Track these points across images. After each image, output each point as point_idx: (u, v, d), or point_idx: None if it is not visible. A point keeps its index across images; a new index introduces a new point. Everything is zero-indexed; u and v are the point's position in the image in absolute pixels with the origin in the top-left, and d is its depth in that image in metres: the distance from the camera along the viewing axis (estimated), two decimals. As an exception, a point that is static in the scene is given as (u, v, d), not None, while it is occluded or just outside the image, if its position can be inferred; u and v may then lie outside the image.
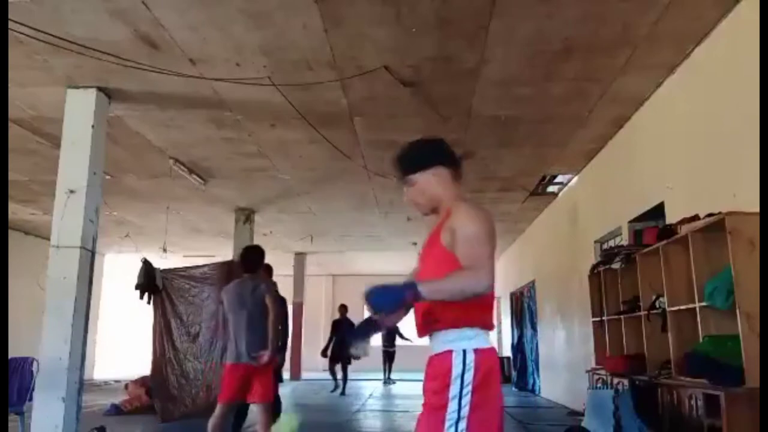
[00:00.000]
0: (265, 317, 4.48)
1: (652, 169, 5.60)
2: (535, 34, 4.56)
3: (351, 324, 12.62)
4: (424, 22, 4.40)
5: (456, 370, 1.82)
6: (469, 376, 1.81)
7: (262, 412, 4.53)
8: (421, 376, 1.99)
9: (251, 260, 4.71)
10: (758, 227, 3.40)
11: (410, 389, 12.56)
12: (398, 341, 13.61)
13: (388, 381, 14.01)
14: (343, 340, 11.96)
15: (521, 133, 6.67)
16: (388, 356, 14.01)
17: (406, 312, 2.08)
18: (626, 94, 5.59)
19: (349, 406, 9.60)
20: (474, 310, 1.88)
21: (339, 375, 12.13)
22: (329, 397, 10.90)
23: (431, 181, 2.03)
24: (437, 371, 1.87)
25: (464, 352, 1.84)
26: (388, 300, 1.78)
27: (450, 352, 1.85)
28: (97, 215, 5.46)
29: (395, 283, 1.80)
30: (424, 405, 1.92)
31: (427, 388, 1.92)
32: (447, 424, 1.77)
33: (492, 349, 1.92)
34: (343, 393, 11.52)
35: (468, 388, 1.80)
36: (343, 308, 12.41)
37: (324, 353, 12.03)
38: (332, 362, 12.14)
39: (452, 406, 1.78)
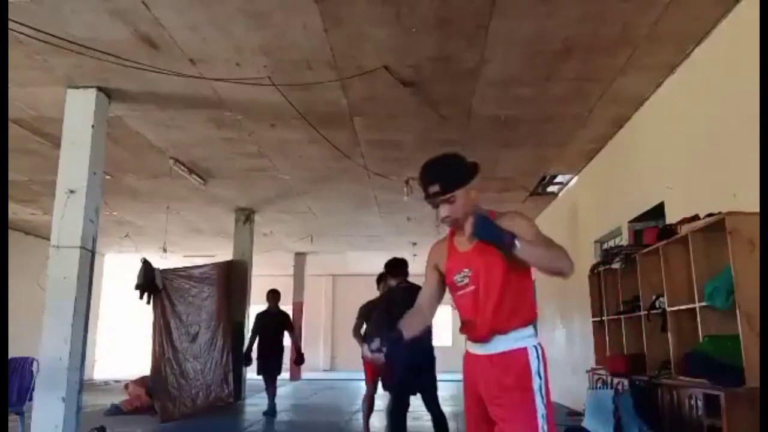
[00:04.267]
0: None
1: (652, 169, 5.60)
2: (535, 34, 4.56)
3: (285, 316, 8.62)
4: (424, 22, 4.40)
5: (534, 365, 2.04)
6: (542, 369, 2.06)
7: None
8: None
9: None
10: (758, 227, 3.40)
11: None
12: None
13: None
14: (272, 339, 8.20)
15: (521, 133, 6.67)
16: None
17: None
18: (626, 94, 5.59)
19: (349, 406, 9.59)
20: (532, 308, 2.14)
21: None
22: (329, 397, 10.89)
23: (470, 197, 2.15)
24: (511, 367, 2.05)
25: (536, 348, 2.08)
26: (491, 231, 2.00)
27: (525, 349, 2.06)
28: (97, 215, 5.46)
29: (499, 226, 2.02)
30: (499, 401, 2.05)
31: (497, 384, 2.06)
32: (539, 413, 2.01)
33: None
34: (273, 414, 7.96)
35: (544, 379, 2.06)
36: (275, 295, 8.39)
37: (248, 357, 8.06)
38: (263, 371, 8.15)
39: (538, 398, 2.02)
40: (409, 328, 2.19)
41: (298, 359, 8.32)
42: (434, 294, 2.32)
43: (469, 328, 2.15)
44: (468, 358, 2.20)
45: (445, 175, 2.13)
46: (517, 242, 1.96)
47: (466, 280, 2.14)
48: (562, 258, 1.98)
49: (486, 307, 2.08)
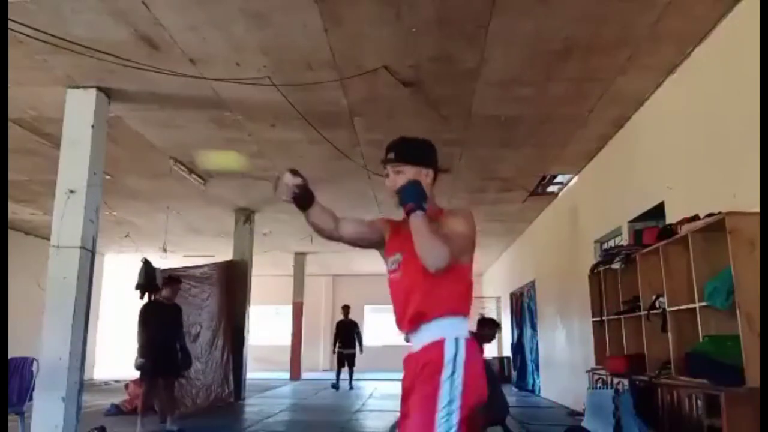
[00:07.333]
0: None
1: (652, 169, 5.60)
2: (535, 34, 4.56)
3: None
4: (424, 22, 4.40)
5: (448, 354, 1.94)
6: (460, 359, 1.94)
7: None
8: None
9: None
10: (758, 227, 3.40)
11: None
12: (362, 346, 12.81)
13: (337, 386, 12.39)
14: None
15: (521, 133, 6.67)
16: (347, 359, 12.62)
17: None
18: (626, 94, 5.59)
19: (349, 406, 9.60)
20: (461, 300, 2.07)
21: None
22: (329, 397, 10.90)
23: (421, 179, 2.12)
24: (426, 359, 1.97)
25: (456, 340, 1.98)
26: (406, 192, 2.04)
27: (442, 340, 1.98)
28: (97, 215, 5.46)
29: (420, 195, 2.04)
30: (409, 399, 1.99)
31: (414, 378, 1.99)
32: (439, 404, 1.87)
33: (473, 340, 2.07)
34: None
35: (462, 369, 1.93)
36: (173, 284, 7.44)
37: (143, 357, 7.04)
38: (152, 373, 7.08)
39: (444, 387, 1.89)
40: (319, 212, 2.22)
41: (185, 361, 7.20)
42: (359, 230, 2.30)
43: (397, 319, 2.13)
44: (406, 355, 2.15)
45: (405, 148, 2.18)
46: (413, 214, 1.99)
47: (395, 265, 2.16)
48: (433, 251, 1.94)
49: (410, 296, 2.06)
